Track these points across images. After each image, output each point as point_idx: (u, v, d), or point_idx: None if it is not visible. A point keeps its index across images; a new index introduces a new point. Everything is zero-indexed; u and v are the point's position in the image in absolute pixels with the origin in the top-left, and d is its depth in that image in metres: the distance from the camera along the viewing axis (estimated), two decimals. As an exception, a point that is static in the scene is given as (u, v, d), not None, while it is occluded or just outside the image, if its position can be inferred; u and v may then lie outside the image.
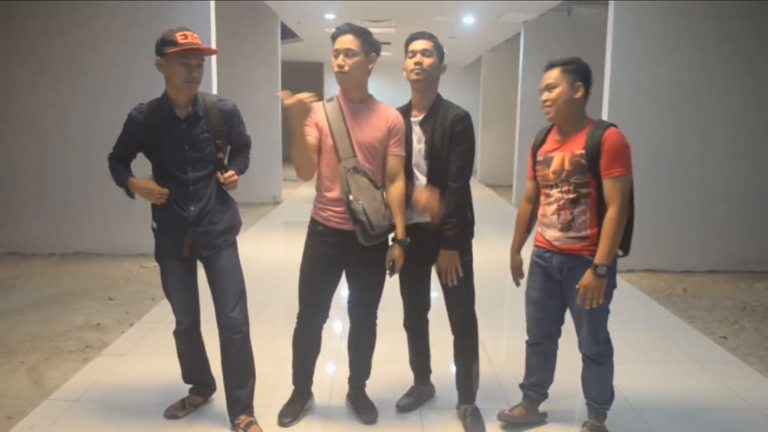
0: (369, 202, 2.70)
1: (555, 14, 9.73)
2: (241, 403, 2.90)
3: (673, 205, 5.93)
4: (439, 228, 2.78)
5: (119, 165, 2.81)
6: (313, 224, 2.90)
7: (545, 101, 2.67)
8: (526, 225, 2.97)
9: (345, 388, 3.19)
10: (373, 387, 3.18)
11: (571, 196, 2.64)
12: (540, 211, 2.83)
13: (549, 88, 2.66)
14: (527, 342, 2.97)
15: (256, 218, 8.85)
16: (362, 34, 2.73)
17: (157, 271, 2.93)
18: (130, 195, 2.81)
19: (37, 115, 6.39)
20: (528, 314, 2.92)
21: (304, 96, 2.49)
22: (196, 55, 2.61)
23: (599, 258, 2.55)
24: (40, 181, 6.47)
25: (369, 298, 2.95)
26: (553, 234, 2.72)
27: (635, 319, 4.62)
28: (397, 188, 2.79)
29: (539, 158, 2.78)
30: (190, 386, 3.16)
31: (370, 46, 2.76)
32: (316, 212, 2.88)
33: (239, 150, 2.96)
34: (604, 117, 5.63)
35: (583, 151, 2.59)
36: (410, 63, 2.80)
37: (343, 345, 3.11)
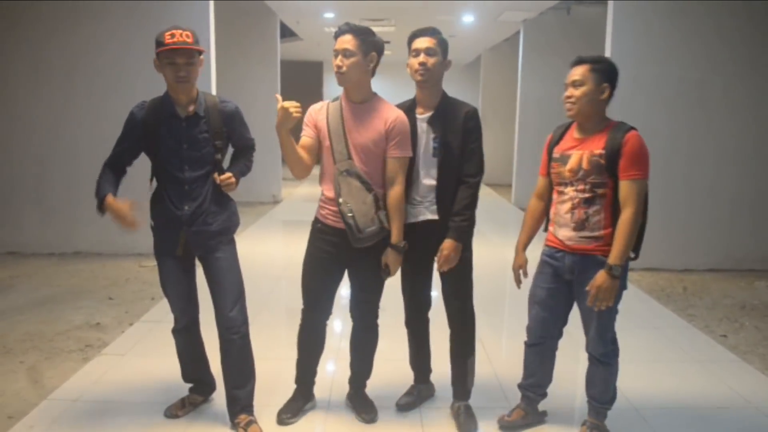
0: (357, 206, 2.70)
1: (554, 13, 9.73)
2: (241, 402, 2.89)
3: (673, 204, 5.91)
4: (446, 225, 2.78)
5: (108, 176, 2.81)
6: (315, 221, 2.93)
7: (569, 97, 2.62)
8: (536, 222, 2.91)
9: (345, 386, 3.19)
10: (373, 386, 3.18)
11: (587, 195, 2.61)
12: (552, 210, 2.79)
13: (575, 84, 2.61)
14: (526, 343, 2.95)
15: (256, 217, 8.85)
16: (361, 34, 2.71)
17: (156, 271, 2.93)
18: (101, 211, 2.75)
19: (37, 115, 6.38)
20: (532, 314, 2.89)
21: (288, 104, 2.55)
22: (182, 54, 2.60)
23: (614, 258, 2.52)
24: (39, 181, 6.46)
25: (369, 297, 2.95)
26: (565, 233, 2.69)
27: (635, 317, 4.61)
28: (395, 192, 2.77)
29: (555, 155, 2.74)
30: (189, 385, 3.16)
31: (370, 45, 2.73)
32: (318, 210, 2.91)
33: (242, 152, 2.96)
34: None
35: (602, 152, 2.56)
36: (414, 63, 2.78)
37: (344, 344, 3.11)
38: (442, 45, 2.80)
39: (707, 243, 6.19)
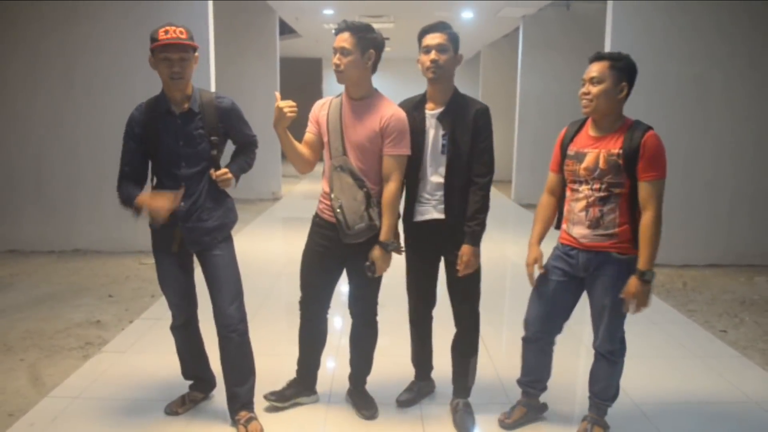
0: (348, 201, 2.71)
1: (554, 9, 9.72)
2: (241, 399, 2.90)
3: (673, 200, 5.84)
4: (452, 224, 2.78)
5: (127, 184, 2.75)
6: (314, 216, 2.96)
7: (586, 94, 2.57)
8: (548, 217, 2.86)
9: (345, 383, 3.19)
10: (373, 382, 3.18)
11: (602, 194, 2.58)
12: (566, 207, 2.76)
13: (592, 81, 2.56)
14: (524, 339, 2.93)
15: (255, 214, 8.84)
16: (359, 32, 2.70)
17: (155, 268, 2.93)
18: (137, 212, 2.72)
19: (36, 114, 6.37)
20: (532, 309, 2.86)
21: (284, 104, 2.61)
22: (176, 49, 2.61)
23: (644, 264, 2.51)
24: (38, 178, 6.46)
25: (366, 293, 2.95)
26: (580, 231, 2.66)
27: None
28: (388, 189, 2.77)
29: (570, 152, 2.70)
30: (190, 382, 3.16)
31: (368, 43, 2.72)
32: (318, 204, 2.93)
33: (242, 148, 2.96)
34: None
35: (620, 151, 2.53)
36: (425, 60, 2.75)
37: (344, 341, 3.12)
38: (453, 40, 2.76)
39: (707, 238, 6.19)
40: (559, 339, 2.92)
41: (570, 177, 2.70)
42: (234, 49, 9.72)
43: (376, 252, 2.76)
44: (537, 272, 2.85)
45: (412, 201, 2.86)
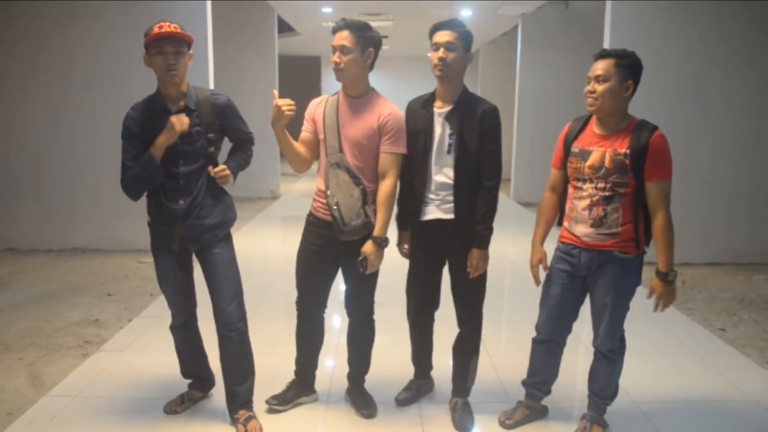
0: (344, 198, 2.71)
1: (552, 7, 9.71)
2: (240, 398, 2.90)
3: (672, 198, 5.86)
4: (460, 225, 2.77)
5: (135, 166, 2.70)
6: (308, 214, 2.95)
7: (591, 92, 2.54)
8: (551, 215, 2.84)
9: (344, 381, 3.19)
10: (372, 381, 3.18)
11: (607, 193, 2.56)
12: (568, 204, 2.74)
13: (598, 79, 2.52)
14: (535, 340, 2.92)
15: (254, 213, 8.84)
16: (358, 30, 2.71)
17: (154, 267, 2.93)
18: (160, 172, 2.68)
19: (34, 112, 6.36)
20: (544, 311, 2.84)
21: (282, 102, 2.60)
22: (170, 42, 2.60)
23: (665, 265, 2.55)
24: (37, 177, 6.45)
25: (362, 292, 2.94)
26: (582, 230, 2.64)
27: (634, 311, 4.59)
28: (384, 186, 2.78)
29: (574, 150, 2.67)
30: (188, 381, 3.16)
31: (367, 41, 2.73)
32: (312, 202, 2.93)
33: (239, 146, 2.96)
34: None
35: (627, 151, 2.51)
36: (434, 57, 2.73)
37: (343, 340, 3.11)
38: (464, 38, 2.72)
39: (705, 237, 6.20)
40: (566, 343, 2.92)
41: (573, 174, 2.67)
42: (233, 48, 9.70)
43: (369, 247, 2.74)
44: (542, 273, 2.84)
45: (416, 200, 2.84)
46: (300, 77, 15.64)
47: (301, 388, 3.14)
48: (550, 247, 2.84)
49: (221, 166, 2.79)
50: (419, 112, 2.83)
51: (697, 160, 6.03)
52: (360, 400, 3.10)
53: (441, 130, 2.78)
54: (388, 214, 2.78)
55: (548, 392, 3.02)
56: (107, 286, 5.22)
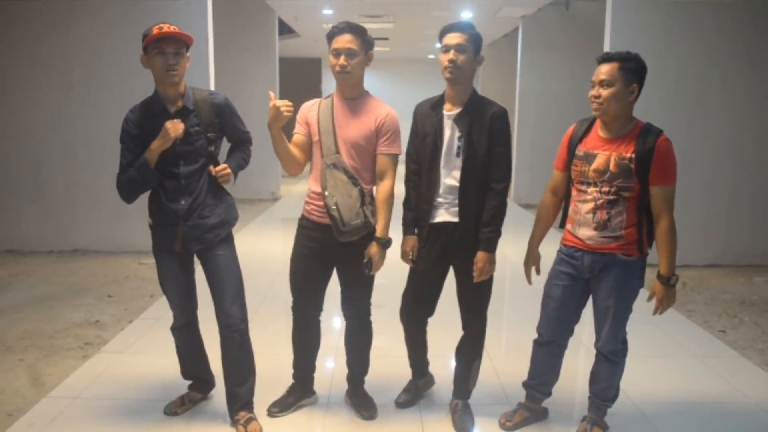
0: (343, 199, 2.70)
1: (553, 9, 9.72)
2: (241, 399, 2.90)
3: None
4: (466, 229, 2.76)
5: (130, 171, 2.71)
6: (300, 218, 2.94)
7: (596, 97, 2.52)
8: (549, 218, 2.84)
9: (344, 384, 3.19)
10: (372, 382, 3.18)
11: (611, 197, 2.55)
12: (571, 207, 2.73)
13: (602, 84, 2.51)
14: (537, 341, 2.92)
15: (255, 214, 8.84)
16: (360, 33, 2.74)
17: (155, 268, 2.93)
18: (155, 177, 2.70)
19: (35, 113, 6.37)
20: (546, 313, 2.84)
21: (280, 104, 2.57)
22: (170, 43, 2.61)
23: (667, 270, 2.55)
24: (38, 178, 6.45)
25: (358, 293, 2.94)
26: (586, 233, 2.64)
27: (634, 313, 4.60)
28: (384, 187, 2.80)
29: (579, 152, 2.66)
30: (189, 383, 3.16)
31: (367, 44, 2.77)
32: (304, 206, 2.91)
33: (238, 145, 2.96)
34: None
35: (632, 155, 2.50)
36: (444, 59, 2.71)
37: (342, 341, 3.11)
38: (474, 41, 2.72)
39: (705, 238, 6.20)
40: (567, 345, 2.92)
41: (577, 177, 2.66)
42: (233, 49, 9.71)
43: (374, 249, 2.77)
44: (534, 275, 2.86)
45: (425, 203, 2.81)
46: (300, 79, 15.65)
47: (300, 391, 3.14)
48: (550, 249, 2.84)
49: (222, 165, 2.79)
50: (428, 115, 2.82)
51: (697, 161, 6.03)
52: (360, 401, 3.10)
53: (450, 133, 2.76)
54: (389, 215, 2.80)
55: (549, 394, 3.01)
56: (108, 287, 5.22)
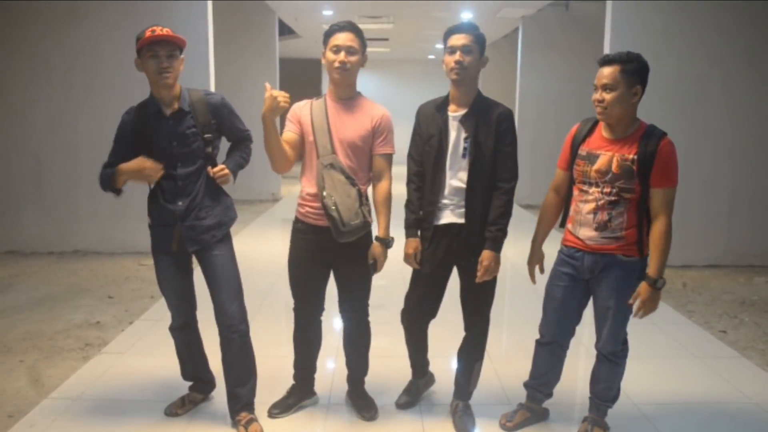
0: (342, 199, 2.70)
1: (553, 9, 9.72)
2: (242, 400, 2.90)
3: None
4: (472, 230, 2.75)
5: (108, 170, 2.75)
6: (295, 221, 2.93)
7: (600, 101, 2.50)
8: (552, 216, 2.83)
9: (345, 384, 3.19)
10: (372, 383, 3.18)
11: (613, 198, 2.55)
12: (572, 207, 2.73)
13: (605, 88, 2.49)
14: (539, 342, 2.92)
15: (255, 215, 8.84)
16: (359, 33, 2.76)
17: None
18: (117, 192, 2.75)
19: (36, 114, 6.37)
20: (547, 313, 2.83)
21: (278, 93, 2.52)
22: (163, 45, 2.62)
23: (655, 271, 2.50)
24: (38, 179, 6.46)
25: (356, 294, 2.95)
26: (586, 233, 2.63)
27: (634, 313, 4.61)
28: (383, 187, 2.81)
29: (581, 152, 2.65)
30: (189, 384, 3.16)
31: (364, 45, 2.79)
32: (297, 209, 2.90)
33: (237, 144, 2.96)
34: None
35: (634, 157, 2.49)
36: (450, 60, 2.70)
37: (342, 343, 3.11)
38: (480, 42, 2.71)
39: (706, 239, 6.20)
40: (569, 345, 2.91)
41: (579, 177, 2.66)
42: (233, 50, 9.72)
43: (377, 249, 2.80)
44: (538, 273, 2.85)
45: (429, 205, 2.80)
46: (300, 80, 15.67)
47: (301, 393, 3.14)
48: (550, 249, 2.84)
49: (220, 166, 2.79)
50: (433, 116, 2.80)
51: (697, 162, 6.03)
52: (360, 402, 3.10)
53: (456, 135, 2.76)
54: (388, 214, 2.81)
55: (550, 395, 3.01)
56: (108, 288, 5.23)
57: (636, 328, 4.33)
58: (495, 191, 2.73)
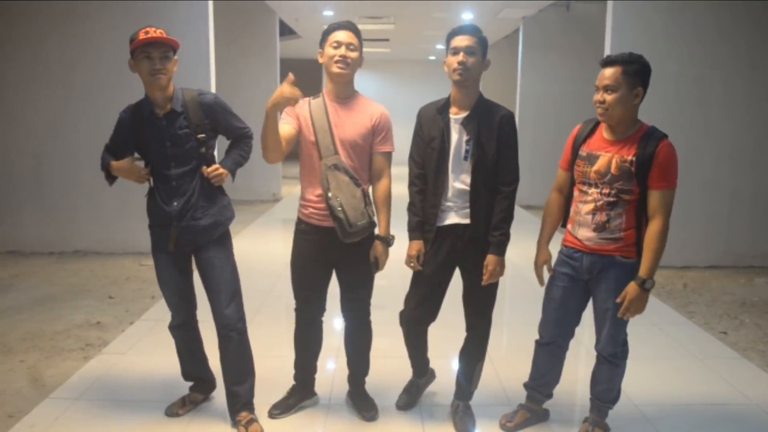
0: (347, 200, 2.70)
1: (554, 10, 9.72)
2: (241, 399, 2.90)
3: (674, 201, 5.90)
4: (476, 231, 2.75)
5: (107, 154, 2.84)
6: (297, 222, 2.92)
7: (601, 102, 2.50)
8: (556, 216, 2.82)
9: (345, 385, 3.19)
10: (373, 383, 3.18)
11: (611, 199, 2.55)
12: (572, 207, 2.73)
13: (607, 90, 2.49)
14: (538, 342, 2.92)
15: (256, 215, 8.84)
16: (358, 32, 2.78)
17: (155, 269, 2.94)
18: (111, 179, 2.84)
19: (36, 114, 6.37)
20: (546, 314, 2.84)
21: (297, 94, 2.53)
22: (157, 47, 2.62)
23: (646, 272, 2.49)
24: (39, 179, 6.46)
25: (359, 294, 2.95)
26: (585, 234, 2.64)
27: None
28: (383, 185, 2.82)
29: (582, 153, 2.65)
30: (190, 384, 3.16)
31: (362, 45, 2.81)
32: (300, 210, 2.89)
33: (236, 142, 2.94)
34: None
35: (633, 158, 2.49)
36: (453, 61, 2.69)
37: (343, 343, 3.11)
38: (482, 44, 2.72)
39: (707, 239, 6.20)
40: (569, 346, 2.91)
41: (579, 178, 2.66)
42: (234, 50, 9.73)
43: (380, 248, 2.81)
44: (546, 274, 2.84)
45: (431, 208, 2.79)
46: (301, 80, 15.62)
47: (301, 393, 3.14)
48: (554, 249, 2.84)
49: (214, 166, 2.78)
50: (434, 118, 2.79)
51: (697, 163, 6.04)
52: (361, 402, 3.11)
53: (458, 137, 2.75)
54: (389, 213, 2.83)
55: (550, 396, 3.01)
56: (109, 288, 5.23)
57: (636, 329, 4.33)
58: (497, 195, 2.74)
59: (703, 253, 6.19)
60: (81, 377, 3.46)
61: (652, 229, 2.51)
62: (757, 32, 6.08)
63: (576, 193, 2.71)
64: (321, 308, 3.01)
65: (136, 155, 2.82)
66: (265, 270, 5.78)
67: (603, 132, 2.63)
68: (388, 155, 2.85)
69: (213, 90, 6.03)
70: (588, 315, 2.81)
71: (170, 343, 3.08)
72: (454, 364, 3.08)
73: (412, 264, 2.85)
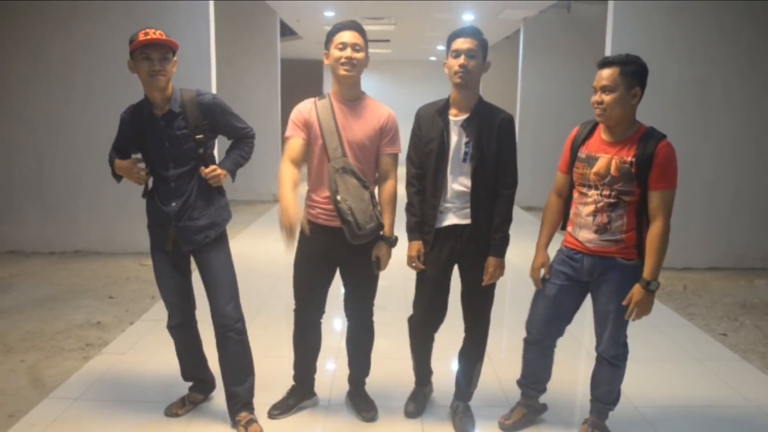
0: (356, 203, 2.70)
1: (554, 11, 9.72)
2: (241, 399, 2.90)
3: (674, 202, 5.89)
4: (476, 231, 2.75)
5: (114, 152, 2.87)
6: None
7: (599, 103, 2.51)
8: (555, 219, 2.82)
9: (345, 385, 3.19)
10: (373, 384, 3.18)
11: (612, 201, 2.55)
12: (572, 209, 2.73)
13: (604, 90, 2.49)
14: (526, 339, 2.92)
15: (256, 216, 8.83)
16: (363, 32, 2.77)
17: (155, 268, 2.94)
18: (117, 177, 2.87)
19: (37, 114, 6.38)
20: (536, 311, 2.84)
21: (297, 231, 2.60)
22: (156, 48, 2.63)
23: (650, 274, 2.49)
24: (39, 179, 6.46)
25: (363, 294, 2.95)
26: (586, 235, 2.63)
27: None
28: (389, 186, 2.82)
29: (581, 155, 2.65)
30: (189, 384, 3.16)
31: (367, 46, 2.80)
32: (307, 210, 2.88)
33: (236, 142, 2.94)
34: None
35: (633, 159, 2.49)
36: (454, 64, 2.69)
37: (343, 343, 3.11)
38: (483, 47, 2.72)
39: (707, 241, 6.20)
40: (560, 342, 2.92)
41: (579, 180, 2.66)
42: (235, 51, 9.72)
43: (383, 248, 2.81)
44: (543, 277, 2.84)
45: (430, 209, 2.79)
46: (302, 81, 15.68)
47: (301, 393, 3.14)
48: (550, 250, 2.84)
49: (212, 167, 2.78)
50: (434, 119, 2.79)
51: (698, 164, 6.03)
52: (361, 403, 3.11)
53: (457, 139, 2.75)
54: (393, 213, 2.84)
55: (543, 390, 3.02)
56: (109, 288, 5.23)
57: (636, 331, 4.32)
58: (497, 197, 2.75)
59: (703, 254, 6.19)
60: (81, 377, 3.46)
61: (654, 230, 2.51)
62: (758, 33, 6.07)
63: (576, 195, 2.71)
64: (321, 310, 3.01)
65: (138, 155, 2.83)
66: (265, 270, 5.79)
67: (601, 133, 2.63)
68: (395, 156, 2.86)
69: (214, 90, 6.03)
70: (588, 316, 2.81)
71: (170, 343, 3.08)
72: (454, 365, 3.08)
73: (413, 264, 2.86)
